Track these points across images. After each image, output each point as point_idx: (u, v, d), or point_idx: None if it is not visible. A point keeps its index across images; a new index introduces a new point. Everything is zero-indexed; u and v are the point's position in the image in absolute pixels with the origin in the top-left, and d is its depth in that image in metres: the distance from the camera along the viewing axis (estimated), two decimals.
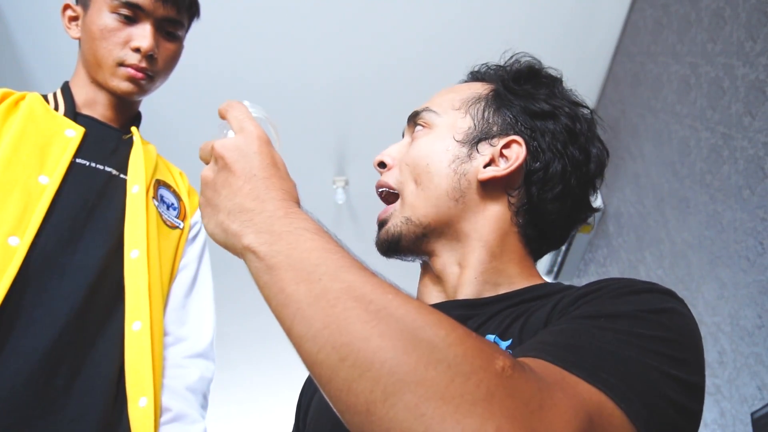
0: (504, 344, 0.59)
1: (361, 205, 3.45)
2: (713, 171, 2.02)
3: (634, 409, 0.43)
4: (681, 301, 0.56)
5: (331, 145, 3.17)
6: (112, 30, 1.05)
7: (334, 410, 0.41)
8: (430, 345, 0.38)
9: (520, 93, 0.74)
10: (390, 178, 0.75)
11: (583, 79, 2.85)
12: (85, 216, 0.99)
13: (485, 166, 0.71)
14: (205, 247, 1.19)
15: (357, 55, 2.74)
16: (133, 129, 1.14)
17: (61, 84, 1.13)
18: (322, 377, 0.40)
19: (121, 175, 1.07)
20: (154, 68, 1.09)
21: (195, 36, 1.19)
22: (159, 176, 1.14)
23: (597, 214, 2.71)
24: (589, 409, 0.41)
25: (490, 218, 0.71)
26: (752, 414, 1.74)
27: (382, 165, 0.77)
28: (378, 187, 0.77)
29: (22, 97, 1.06)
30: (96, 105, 1.10)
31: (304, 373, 0.73)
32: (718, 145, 1.99)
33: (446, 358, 0.37)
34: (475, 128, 0.73)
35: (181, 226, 1.13)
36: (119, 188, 1.05)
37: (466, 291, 0.69)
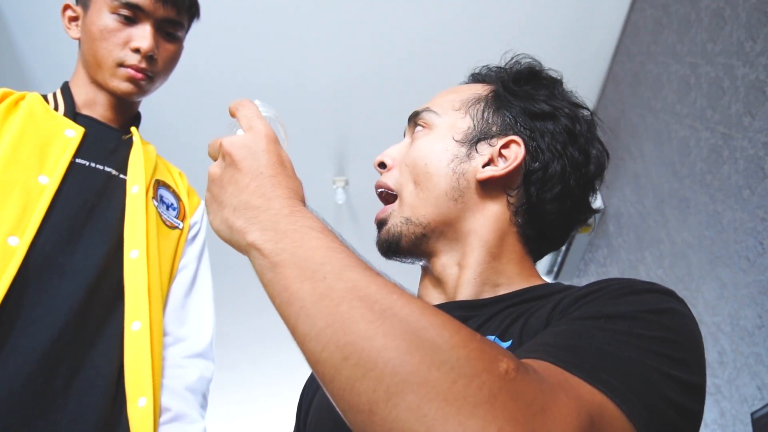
0: (504, 345, 0.59)
1: (361, 205, 3.45)
2: (713, 171, 2.02)
3: (634, 410, 0.43)
4: (681, 302, 0.56)
5: (331, 145, 3.17)
6: (112, 30, 1.05)
7: (337, 409, 0.41)
8: (434, 346, 0.38)
9: (519, 94, 0.75)
10: (389, 179, 0.75)
11: (583, 79, 2.85)
12: (84, 216, 0.99)
13: (484, 166, 0.71)
14: (205, 248, 1.20)
15: (357, 55, 2.74)
16: (133, 129, 1.14)
17: (61, 84, 1.13)
18: (325, 376, 0.41)
19: (121, 176, 1.07)
20: (154, 69, 1.09)
21: (195, 36, 1.19)
22: (158, 176, 1.14)
23: (597, 214, 2.71)
24: (591, 411, 0.41)
25: (490, 218, 0.71)
26: (752, 414, 1.74)
27: (382, 165, 0.77)
28: (377, 187, 0.77)
29: (22, 97, 1.06)
30: (96, 105, 1.10)
31: (304, 373, 0.73)
32: (718, 145, 1.99)
33: (449, 360, 0.37)
34: (475, 128, 0.73)
35: (180, 227, 1.13)
36: (119, 188, 1.05)
37: (466, 291, 0.69)
